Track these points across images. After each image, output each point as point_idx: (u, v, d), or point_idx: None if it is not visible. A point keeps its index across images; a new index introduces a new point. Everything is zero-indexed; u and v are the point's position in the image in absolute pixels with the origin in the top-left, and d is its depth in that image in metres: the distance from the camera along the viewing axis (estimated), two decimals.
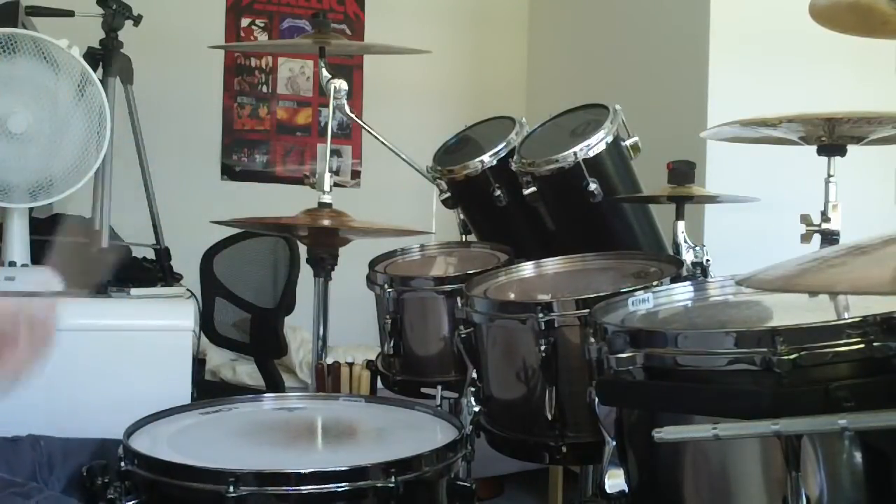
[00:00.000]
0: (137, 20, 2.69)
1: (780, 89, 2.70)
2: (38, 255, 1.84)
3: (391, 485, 1.07)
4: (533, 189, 1.77)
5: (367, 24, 4.07)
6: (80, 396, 1.74)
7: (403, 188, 3.13)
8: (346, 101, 2.07)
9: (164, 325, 1.92)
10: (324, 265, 2.08)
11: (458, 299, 1.51)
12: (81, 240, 1.96)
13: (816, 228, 1.69)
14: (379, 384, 1.93)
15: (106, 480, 1.13)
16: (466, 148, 2.07)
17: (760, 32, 2.80)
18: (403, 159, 2.16)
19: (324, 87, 2.06)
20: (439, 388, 1.63)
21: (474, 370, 1.48)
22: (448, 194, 2.02)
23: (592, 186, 1.72)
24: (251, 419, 1.38)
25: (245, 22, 3.91)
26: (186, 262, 2.49)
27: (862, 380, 0.94)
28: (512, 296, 1.54)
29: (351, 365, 2.06)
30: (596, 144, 1.73)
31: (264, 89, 3.94)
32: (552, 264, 1.64)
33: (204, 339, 2.67)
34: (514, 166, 1.81)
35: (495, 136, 1.98)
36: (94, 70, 2.18)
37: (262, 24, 3.93)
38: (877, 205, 2.69)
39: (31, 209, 1.90)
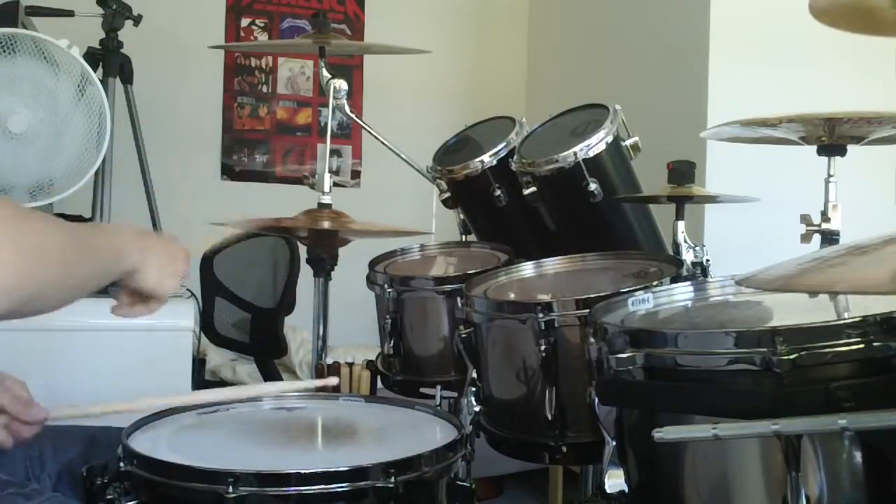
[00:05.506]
0: (137, 20, 2.70)
1: (780, 89, 2.70)
2: None
3: (391, 485, 1.07)
4: (533, 189, 1.77)
5: (367, 24, 4.08)
6: (80, 396, 1.73)
7: (403, 188, 3.13)
8: (346, 101, 2.07)
9: (164, 325, 1.92)
10: (324, 265, 2.08)
11: (458, 299, 1.51)
12: None
13: (816, 228, 1.69)
14: (379, 384, 1.93)
15: (105, 480, 1.13)
16: (466, 148, 2.07)
17: (760, 33, 2.80)
18: (403, 159, 2.16)
19: (324, 87, 2.06)
20: (439, 388, 1.62)
21: (474, 370, 1.48)
22: (448, 194, 2.02)
23: (592, 186, 1.72)
24: (251, 419, 1.38)
25: (245, 22, 3.91)
26: None
27: (862, 380, 0.94)
28: (512, 296, 1.54)
29: (351, 365, 2.06)
30: (596, 144, 1.73)
31: (264, 89, 3.94)
32: (552, 264, 1.64)
33: (204, 339, 2.67)
34: (514, 166, 1.81)
35: (495, 136, 1.98)
36: (94, 70, 2.19)
37: (262, 24, 3.94)
38: (877, 205, 2.69)
39: None
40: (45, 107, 1.87)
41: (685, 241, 1.68)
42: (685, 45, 2.97)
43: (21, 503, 1.10)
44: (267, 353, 2.90)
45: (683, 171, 1.70)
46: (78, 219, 2.30)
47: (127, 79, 2.77)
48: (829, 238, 1.68)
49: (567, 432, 1.35)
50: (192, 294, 2.14)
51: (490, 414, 1.47)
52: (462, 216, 2.09)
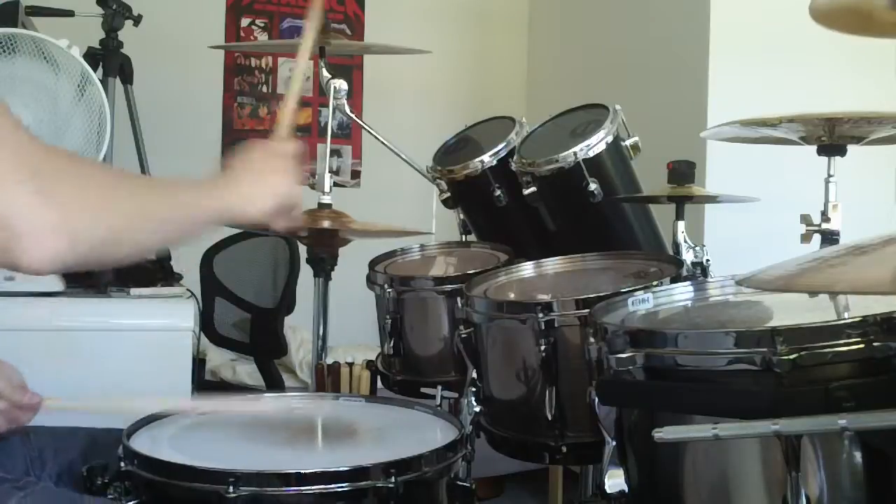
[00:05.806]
0: (137, 20, 2.70)
1: (780, 89, 2.70)
2: None
3: (391, 485, 1.07)
4: (533, 189, 1.77)
5: (367, 24, 4.08)
6: (79, 396, 1.73)
7: (403, 188, 3.13)
8: (346, 101, 2.07)
9: (164, 325, 1.93)
10: (324, 265, 2.08)
11: (458, 299, 1.51)
12: None
13: (816, 228, 1.69)
14: (379, 384, 1.93)
15: (106, 480, 1.13)
16: (466, 148, 2.07)
17: (760, 33, 2.80)
18: (403, 159, 2.16)
19: (324, 87, 2.06)
20: (439, 388, 1.63)
21: (474, 370, 1.48)
22: (448, 194, 2.02)
23: (592, 186, 1.72)
24: (251, 419, 1.38)
25: (245, 22, 3.91)
26: (186, 262, 2.49)
27: (862, 380, 0.94)
28: (512, 296, 1.54)
29: (351, 365, 2.06)
30: (596, 144, 1.73)
31: (264, 89, 3.94)
32: (552, 264, 1.64)
33: (204, 339, 2.67)
34: (514, 166, 1.81)
35: (495, 136, 1.98)
36: (94, 70, 2.19)
37: (262, 24, 3.94)
38: (877, 205, 2.69)
39: None
40: (45, 107, 1.87)
41: (685, 241, 1.68)
42: (685, 45, 2.97)
43: (14, 493, 1.11)
44: (267, 353, 2.91)
45: (683, 171, 1.70)
46: None
47: (127, 79, 2.78)
48: (829, 238, 1.68)
49: (567, 432, 1.35)
50: (192, 294, 2.14)
51: (490, 414, 1.47)
52: (462, 216, 2.09)
